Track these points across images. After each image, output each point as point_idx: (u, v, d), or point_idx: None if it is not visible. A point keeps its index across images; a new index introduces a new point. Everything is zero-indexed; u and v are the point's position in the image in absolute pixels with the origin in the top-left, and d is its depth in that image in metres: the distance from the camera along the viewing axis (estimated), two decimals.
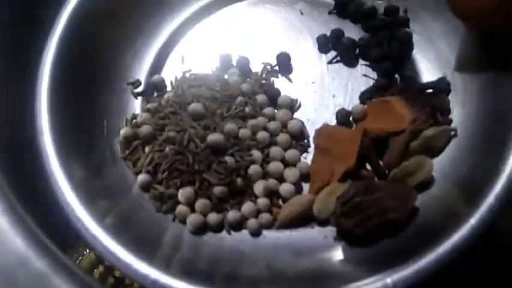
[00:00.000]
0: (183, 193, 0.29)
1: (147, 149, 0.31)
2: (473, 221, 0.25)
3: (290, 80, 0.34)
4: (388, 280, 0.23)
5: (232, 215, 0.29)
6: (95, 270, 0.32)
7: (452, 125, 0.30)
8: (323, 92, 0.33)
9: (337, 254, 0.27)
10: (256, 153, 0.30)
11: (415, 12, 0.34)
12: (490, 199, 0.25)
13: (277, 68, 0.34)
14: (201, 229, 0.29)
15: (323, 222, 0.29)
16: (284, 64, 0.34)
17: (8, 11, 0.30)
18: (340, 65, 0.34)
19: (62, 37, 0.31)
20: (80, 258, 0.32)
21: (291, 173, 0.30)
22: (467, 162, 0.28)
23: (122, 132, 0.31)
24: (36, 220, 0.27)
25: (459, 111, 0.30)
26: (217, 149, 0.30)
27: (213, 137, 0.29)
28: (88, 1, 0.32)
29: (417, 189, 0.28)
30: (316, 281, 0.26)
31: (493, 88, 0.29)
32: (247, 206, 0.29)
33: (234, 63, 0.34)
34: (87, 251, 0.33)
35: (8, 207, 0.27)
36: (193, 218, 0.29)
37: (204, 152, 0.30)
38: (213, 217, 0.29)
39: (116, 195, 0.30)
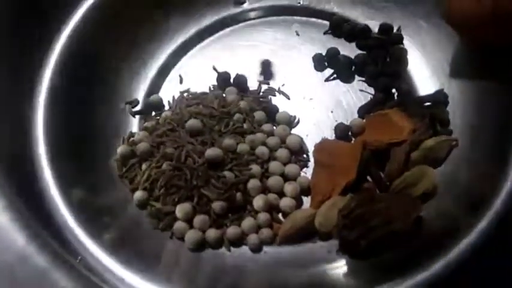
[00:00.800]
0: (181, 209, 0.28)
1: (144, 166, 0.30)
2: (474, 233, 0.24)
3: (288, 98, 0.34)
4: None
5: (231, 231, 0.28)
6: None
7: (453, 136, 0.30)
8: (321, 108, 0.34)
9: (341, 267, 0.26)
10: (255, 168, 0.30)
11: (409, 28, 0.34)
12: (493, 210, 0.25)
13: (273, 86, 0.35)
14: (200, 246, 0.28)
15: (325, 237, 0.28)
16: (267, 71, 0.34)
17: (8, 26, 0.31)
18: (337, 81, 0.34)
19: (61, 55, 0.31)
20: None
21: (291, 187, 0.30)
22: (469, 173, 0.28)
23: (119, 150, 0.31)
24: (35, 216, 0.27)
25: (458, 122, 0.30)
26: (216, 163, 0.29)
27: (211, 152, 0.29)
28: (89, 20, 0.32)
29: (420, 199, 0.28)
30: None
31: (492, 98, 0.29)
32: (247, 222, 0.28)
33: (232, 81, 0.34)
34: None
35: (8, 204, 0.27)
36: (191, 235, 0.28)
37: (202, 167, 0.29)
38: (211, 233, 0.28)
39: (114, 214, 0.30)
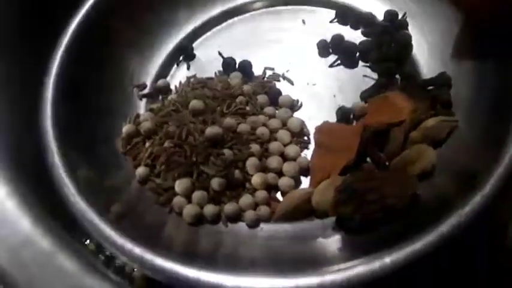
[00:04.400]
0: (180, 184, 0.29)
1: (147, 144, 0.31)
2: (468, 208, 0.24)
3: (292, 83, 0.35)
4: (387, 259, 0.22)
5: (229, 207, 0.29)
6: None
7: (454, 118, 0.30)
8: (324, 92, 0.34)
9: (336, 241, 0.26)
10: (255, 147, 0.30)
11: (413, 14, 0.34)
12: (486, 189, 0.24)
13: (278, 72, 0.35)
14: (198, 220, 0.28)
15: (322, 215, 0.28)
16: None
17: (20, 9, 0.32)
18: (341, 67, 0.35)
19: (74, 37, 0.32)
20: None
21: (290, 167, 0.30)
22: (466, 153, 0.28)
23: (125, 128, 0.32)
24: (40, 201, 0.28)
25: (460, 104, 0.30)
26: (216, 141, 0.30)
27: (212, 130, 0.30)
28: (100, 7, 0.34)
29: (418, 177, 0.27)
30: (314, 261, 0.24)
31: (491, 81, 0.29)
32: (244, 198, 0.29)
33: (237, 67, 0.35)
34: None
35: (14, 189, 0.28)
36: (189, 209, 0.28)
37: (202, 144, 0.30)
38: (209, 209, 0.28)
39: (118, 189, 0.30)
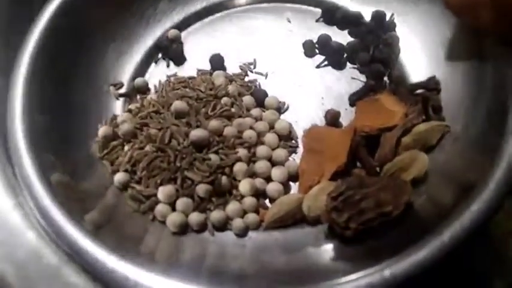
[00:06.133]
0: (164, 191, 0.27)
1: (126, 148, 0.29)
2: (466, 217, 0.23)
3: (265, 76, 0.33)
4: (387, 272, 0.21)
5: (216, 215, 0.27)
6: None
7: (445, 122, 0.29)
8: (311, 94, 0.33)
9: (330, 251, 0.25)
10: (242, 151, 0.29)
11: (401, 15, 0.34)
12: (484, 195, 0.24)
13: (263, 72, 0.34)
14: (183, 229, 0.27)
15: (313, 222, 0.27)
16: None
17: None
18: (328, 68, 0.34)
19: (45, 32, 0.30)
20: None
21: (278, 172, 0.29)
22: (461, 158, 0.27)
23: (101, 130, 0.30)
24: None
25: (451, 108, 0.29)
26: (201, 146, 0.28)
27: (197, 133, 0.28)
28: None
29: (411, 184, 0.27)
30: (307, 274, 0.23)
31: (485, 85, 0.29)
32: (232, 206, 0.27)
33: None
34: None
35: (19, 201, 0.27)
36: (174, 218, 0.27)
37: (187, 149, 0.28)
38: (195, 217, 0.27)
39: (94, 197, 0.28)
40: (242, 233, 0.27)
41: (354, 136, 0.29)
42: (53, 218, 0.26)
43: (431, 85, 0.31)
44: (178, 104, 0.30)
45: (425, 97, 0.29)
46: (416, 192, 0.26)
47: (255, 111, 0.31)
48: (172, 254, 0.26)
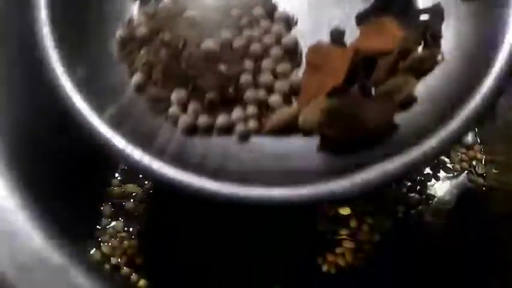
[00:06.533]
0: (177, 95, 0.30)
1: (142, 51, 0.32)
2: (444, 132, 0.27)
3: None
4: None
5: (221, 119, 0.30)
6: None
7: (442, 50, 0.31)
8: (320, 12, 0.34)
9: (320, 159, 0.29)
10: (248, 63, 0.31)
11: None
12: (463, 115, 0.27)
13: None
14: (192, 130, 0.30)
15: (307, 133, 0.30)
16: None
17: None
18: None
19: None
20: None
21: (281, 85, 0.31)
22: (450, 85, 0.30)
23: (118, 33, 0.32)
24: (50, 215, 0.28)
25: (449, 36, 0.31)
26: (211, 56, 0.30)
27: (208, 44, 0.30)
28: None
29: (399, 106, 0.29)
30: (297, 177, 0.27)
31: (483, 15, 0.30)
32: (236, 112, 0.30)
33: None
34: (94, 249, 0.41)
35: (24, 203, 0.28)
36: (184, 119, 0.30)
37: (198, 57, 0.30)
38: (203, 119, 0.30)
39: (114, 93, 0.31)
40: (243, 137, 0.30)
41: (354, 56, 0.31)
42: (78, 109, 0.29)
43: (436, 12, 0.32)
44: (190, 13, 0.31)
45: (427, 24, 0.31)
46: (404, 114, 0.29)
47: (264, 24, 0.33)
48: (181, 152, 0.30)
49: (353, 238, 0.44)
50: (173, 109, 0.30)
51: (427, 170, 0.47)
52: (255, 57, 0.31)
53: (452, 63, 0.30)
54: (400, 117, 0.29)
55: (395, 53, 0.30)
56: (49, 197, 0.30)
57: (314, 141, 0.30)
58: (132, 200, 0.46)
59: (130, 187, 0.46)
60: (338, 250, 0.44)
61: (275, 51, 0.32)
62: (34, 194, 0.29)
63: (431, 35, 0.31)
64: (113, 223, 0.44)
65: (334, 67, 0.32)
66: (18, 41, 0.38)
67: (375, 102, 0.29)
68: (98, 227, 0.44)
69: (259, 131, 0.31)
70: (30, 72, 0.37)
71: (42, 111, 0.38)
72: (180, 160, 0.29)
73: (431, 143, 0.26)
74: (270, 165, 0.29)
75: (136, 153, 0.28)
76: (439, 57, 0.30)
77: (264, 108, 0.31)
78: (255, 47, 0.32)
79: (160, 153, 0.29)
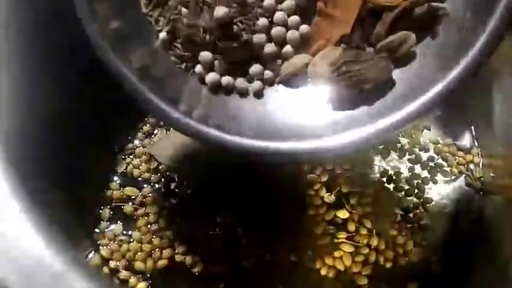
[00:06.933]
0: (202, 56, 0.34)
1: (165, 9, 0.34)
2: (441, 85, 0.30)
3: None
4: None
5: (240, 81, 0.34)
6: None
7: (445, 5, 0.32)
8: None
9: (327, 113, 0.33)
10: (262, 20, 0.33)
11: None
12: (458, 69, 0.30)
13: None
14: (216, 88, 0.34)
15: (315, 84, 0.34)
16: None
17: None
18: None
19: None
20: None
21: (292, 36, 0.34)
22: (451, 39, 0.32)
23: None
24: (50, 219, 0.29)
25: None
26: (225, 21, 0.32)
27: (219, 11, 0.32)
28: None
29: (399, 61, 0.32)
30: (304, 131, 0.32)
31: None
32: (254, 68, 0.34)
33: None
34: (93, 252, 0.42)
35: (24, 208, 0.29)
36: (212, 76, 0.34)
37: (214, 24, 0.33)
38: (226, 80, 0.34)
39: (141, 46, 0.34)
40: (258, 94, 0.34)
41: (362, 7, 0.33)
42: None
43: None
44: None
45: None
46: (402, 70, 0.32)
47: None
48: (205, 105, 0.34)
49: (351, 241, 0.45)
50: (199, 67, 0.34)
51: (425, 174, 0.48)
52: (269, 14, 0.33)
53: (454, 19, 0.31)
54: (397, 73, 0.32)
55: (400, 9, 0.31)
56: (49, 201, 0.31)
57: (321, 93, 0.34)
58: (130, 204, 0.46)
59: (129, 190, 0.46)
60: (336, 254, 0.44)
61: (287, 4, 0.34)
62: (34, 199, 0.29)
63: None
64: (112, 226, 0.45)
65: (343, 17, 0.33)
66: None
67: (375, 58, 0.32)
68: (96, 230, 0.44)
69: (273, 82, 0.35)
70: None
71: (42, 113, 0.38)
72: (203, 116, 0.33)
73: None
74: (281, 118, 0.34)
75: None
76: (444, 12, 0.31)
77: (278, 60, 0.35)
78: (268, 2, 0.33)
79: (188, 110, 0.33)
